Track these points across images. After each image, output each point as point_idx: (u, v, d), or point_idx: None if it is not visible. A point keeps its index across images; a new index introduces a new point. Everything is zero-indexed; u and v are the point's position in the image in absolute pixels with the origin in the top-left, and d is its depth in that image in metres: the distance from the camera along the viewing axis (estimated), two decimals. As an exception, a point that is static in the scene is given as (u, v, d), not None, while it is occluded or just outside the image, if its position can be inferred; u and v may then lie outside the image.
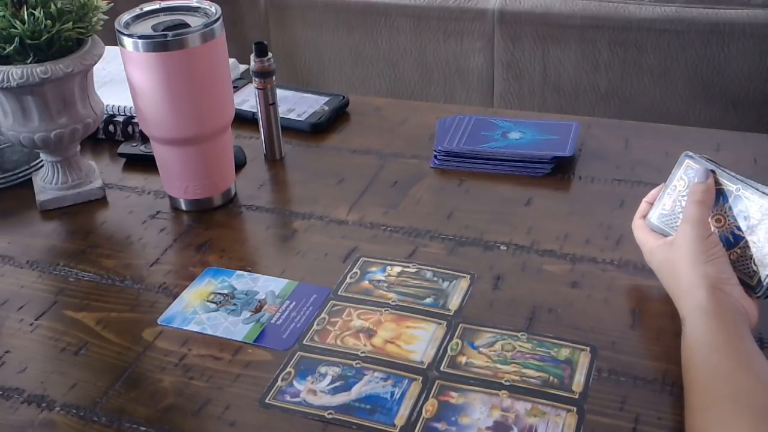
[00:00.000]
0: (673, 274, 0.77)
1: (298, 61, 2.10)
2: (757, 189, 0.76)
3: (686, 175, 0.81)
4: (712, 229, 0.77)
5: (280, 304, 0.84)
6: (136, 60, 0.92)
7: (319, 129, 1.16)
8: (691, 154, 0.82)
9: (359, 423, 0.70)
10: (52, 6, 0.92)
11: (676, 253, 0.76)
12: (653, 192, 0.85)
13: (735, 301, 0.72)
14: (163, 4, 0.97)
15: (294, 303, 0.84)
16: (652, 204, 0.84)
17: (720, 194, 0.78)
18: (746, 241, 0.76)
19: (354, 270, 0.88)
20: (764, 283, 0.74)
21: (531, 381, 0.73)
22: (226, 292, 0.87)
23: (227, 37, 0.96)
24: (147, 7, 0.96)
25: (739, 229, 0.76)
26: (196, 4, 0.97)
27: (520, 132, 1.10)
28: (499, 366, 0.75)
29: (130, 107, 1.16)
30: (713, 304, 0.71)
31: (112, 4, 1.00)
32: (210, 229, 0.98)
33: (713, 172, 0.79)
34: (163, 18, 0.95)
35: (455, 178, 1.04)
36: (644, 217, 0.84)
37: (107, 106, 1.15)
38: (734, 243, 0.77)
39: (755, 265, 0.75)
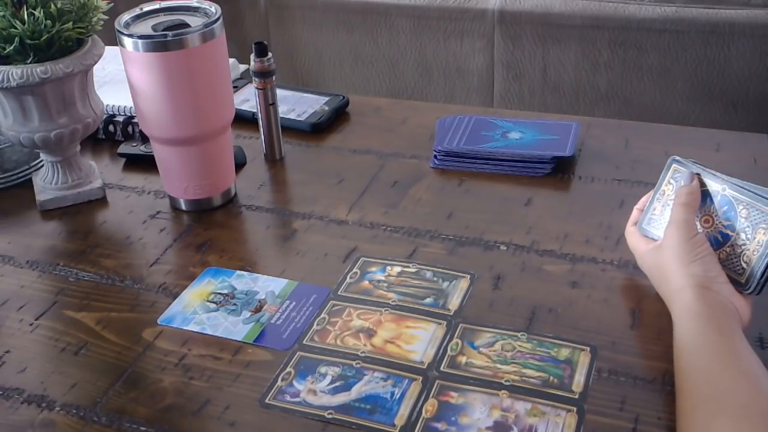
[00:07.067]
0: (663, 276, 0.78)
1: (298, 61, 2.10)
2: (743, 188, 0.77)
3: (674, 179, 0.82)
4: (700, 229, 0.78)
5: (280, 304, 0.84)
6: (136, 60, 0.92)
7: (319, 129, 1.16)
8: (677, 158, 0.83)
9: (359, 423, 0.70)
10: (52, 6, 0.92)
11: (664, 256, 0.77)
12: (643, 199, 0.86)
13: (724, 299, 0.73)
14: (163, 4, 0.97)
15: (294, 303, 0.84)
16: (643, 210, 0.85)
17: (707, 195, 0.79)
18: (734, 240, 0.76)
19: (354, 270, 0.88)
20: (753, 280, 0.74)
21: (531, 381, 0.73)
22: (226, 292, 0.87)
23: (227, 37, 0.96)
24: (147, 7, 0.96)
25: (726, 228, 0.77)
26: (196, 4, 0.97)
27: (520, 132, 1.10)
28: (499, 366, 0.75)
29: (130, 107, 1.16)
30: (701, 304, 0.72)
31: (112, 4, 1.00)
32: (210, 229, 0.98)
33: (698, 174, 0.80)
34: (163, 18, 0.95)
35: (455, 178, 1.04)
36: (636, 224, 0.85)
37: (107, 106, 1.15)
38: (723, 242, 0.77)
39: (744, 262, 0.75)
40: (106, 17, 0.98)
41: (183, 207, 1.01)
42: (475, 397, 0.72)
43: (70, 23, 0.93)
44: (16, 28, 0.90)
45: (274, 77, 1.07)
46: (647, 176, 0.99)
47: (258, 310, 0.84)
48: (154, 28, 0.92)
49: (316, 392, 0.73)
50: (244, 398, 0.74)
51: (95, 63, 0.96)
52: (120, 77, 1.13)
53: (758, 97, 1.75)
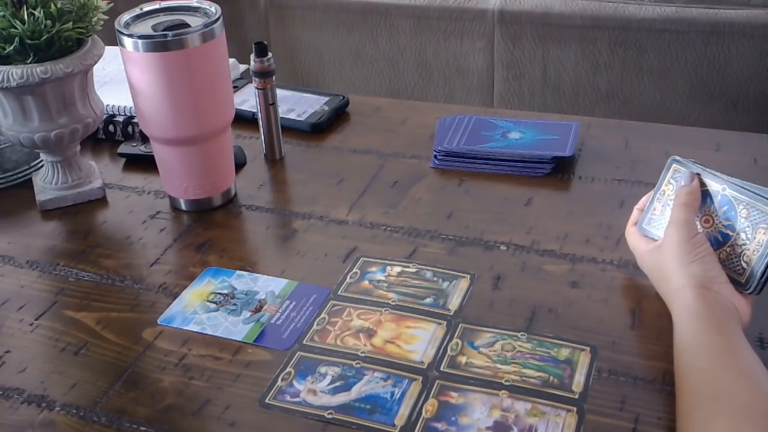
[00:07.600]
0: (663, 276, 0.78)
1: (298, 61, 2.10)
2: (743, 188, 0.77)
3: (674, 180, 0.82)
4: (700, 229, 0.78)
5: (280, 304, 0.84)
6: (136, 60, 0.92)
7: (319, 129, 1.16)
8: (677, 158, 0.83)
9: (359, 423, 0.70)
10: (52, 6, 0.92)
11: (664, 256, 0.77)
12: (643, 199, 0.86)
13: (724, 299, 0.73)
14: (163, 4, 0.97)
15: (294, 303, 0.84)
16: (643, 210, 0.85)
17: (707, 195, 0.79)
18: (734, 239, 0.76)
19: (354, 270, 0.88)
20: (753, 280, 0.74)
21: (531, 381, 0.73)
22: (226, 292, 0.87)
23: (227, 37, 0.96)
24: (147, 7, 0.96)
25: (726, 228, 0.77)
26: (196, 4, 0.97)
27: (520, 132, 1.10)
28: (499, 366, 0.75)
29: (130, 107, 1.16)
30: (701, 304, 0.72)
31: (112, 4, 1.00)
32: (210, 229, 0.98)
33: (698, 174, 0.80)
34: (163, 18, 0.95)
35: (455, 178, 1.04)
36: (636, 224, 0.85)
37: (107, 106, 1.15)
38: (723, 242, 0.77)
39: (744, 262, 0.75)
40: (106, 17, 0.98)
41: (183, 207, 1.01)
42: (475, 397, 0.72)
43: (70, 23, 0.93)
44: (16, 28, 0.90)
45: (274, 77, 1.07)
46: (647, 176, 0.99)
47: (258, 310, 0.84)
48: (154, 28, 0.92)
49: (316, 392, 0.73)
50: (244, 398, 0.74)
51: (95, 63, 0.96)
52: (120, 77, 1.13)
53: (758, 97, 1.75)
